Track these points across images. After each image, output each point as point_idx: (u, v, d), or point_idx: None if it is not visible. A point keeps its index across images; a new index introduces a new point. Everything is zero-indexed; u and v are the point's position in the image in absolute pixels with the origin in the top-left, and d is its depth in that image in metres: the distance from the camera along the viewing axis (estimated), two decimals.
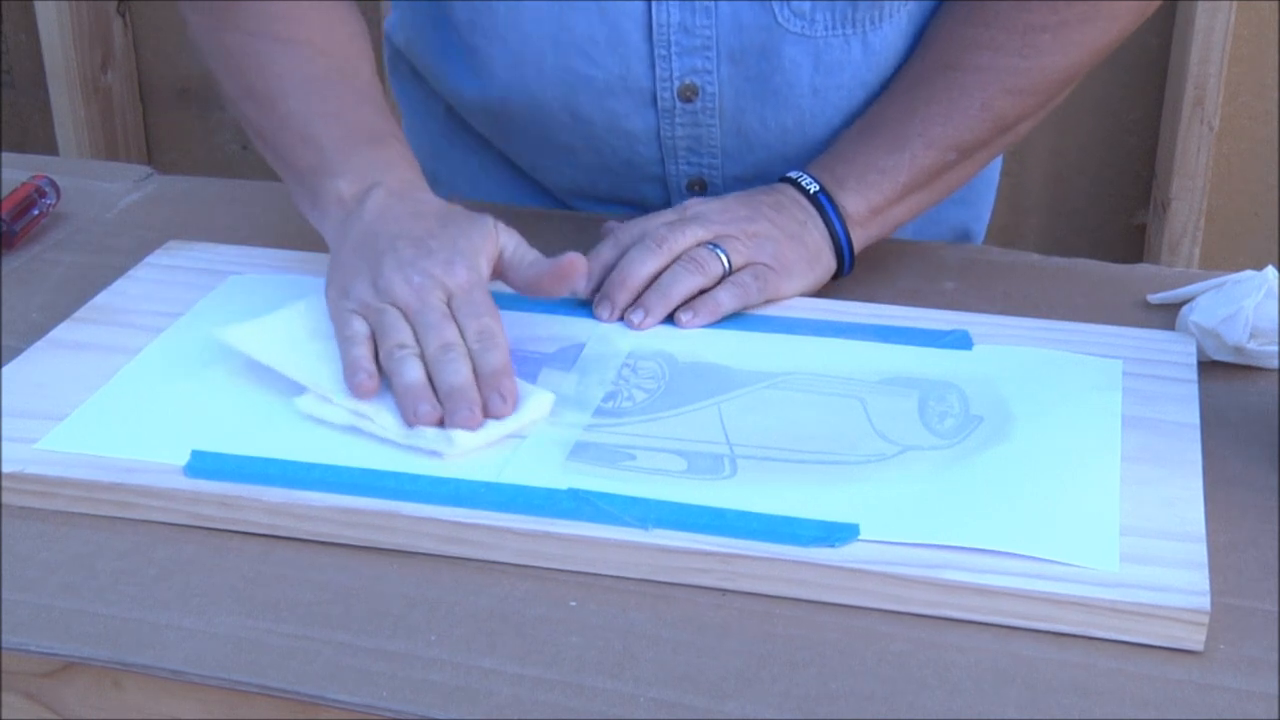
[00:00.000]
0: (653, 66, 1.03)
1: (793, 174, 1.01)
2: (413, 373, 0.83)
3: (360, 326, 0.86)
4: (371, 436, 0.81)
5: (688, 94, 1.04)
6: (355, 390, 0.83)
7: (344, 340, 0.86)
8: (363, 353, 0.84)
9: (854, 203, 0.99)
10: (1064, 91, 1.03)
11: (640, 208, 1.12)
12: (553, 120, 1.07)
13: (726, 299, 0.94)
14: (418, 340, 0.84)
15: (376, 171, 0.94)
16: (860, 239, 1.00)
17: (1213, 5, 1.94)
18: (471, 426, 0.80)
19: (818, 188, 1.00)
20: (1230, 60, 1.97)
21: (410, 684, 0.67)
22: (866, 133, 1.02)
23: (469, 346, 0.84)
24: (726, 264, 0.95)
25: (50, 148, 2.39)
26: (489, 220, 0.91)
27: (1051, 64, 1.00)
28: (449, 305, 0.86)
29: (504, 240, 0.90)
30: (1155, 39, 2.05)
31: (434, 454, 0.80)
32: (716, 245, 0.95)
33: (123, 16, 2.38)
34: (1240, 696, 0.66)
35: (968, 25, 1.01)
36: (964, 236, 1.22)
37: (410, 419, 0.81)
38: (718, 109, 1.05)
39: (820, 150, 1.05)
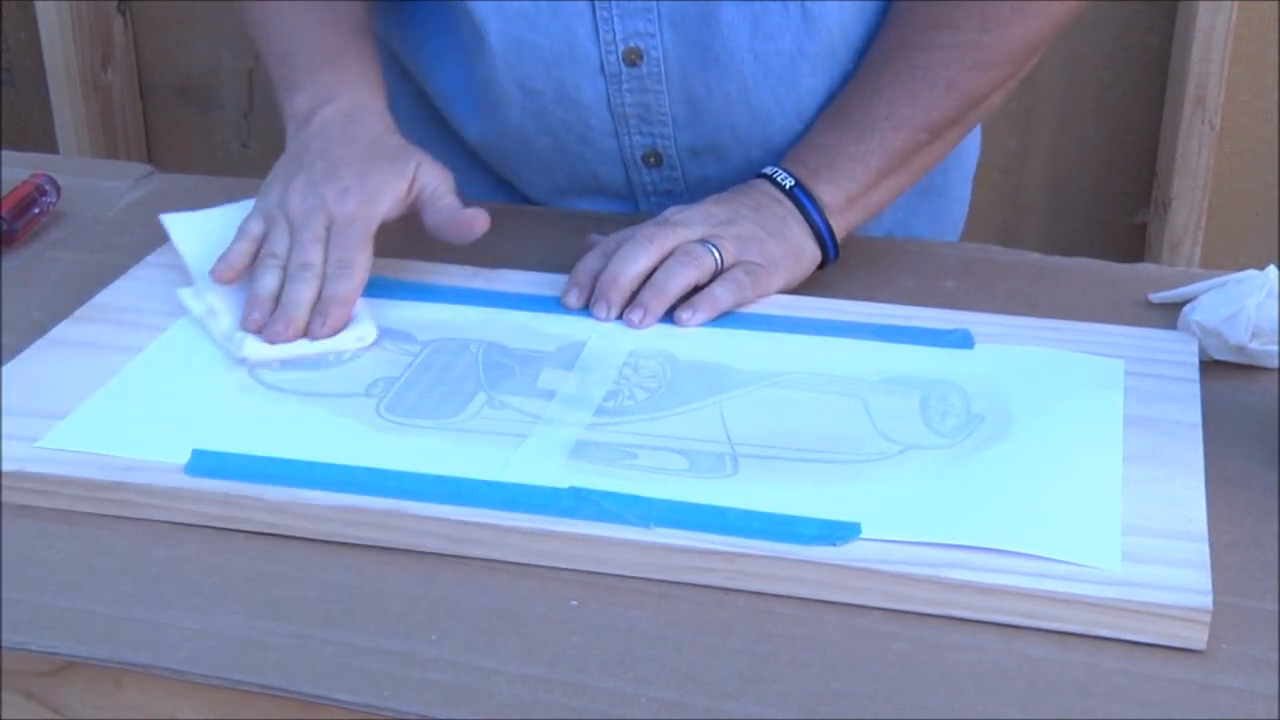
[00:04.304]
0: (596, 30, 1.03)
1: (768, 170, 1.02)
2: (267, 282, 0.92)
3: (256, 227, 0.95)
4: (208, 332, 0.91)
5: (632, 58, 1.04)
6: (213, 273, 0.93)
7: (237, 234, 0.95)
8: (241, 248, 0.94)
9: (830, 193, 1.00)
10: (1029, 62, 1.04)
11: (601, 195, 1.13)
12: (505, 98, 1.08)
13: (724, 294, 0.94)
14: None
15: (332, 89, 1.01)
16: (841, 227, 1.00)
17: (1213, 5, 1.93)
18: (279, 340, 0.89)
19: (793, 182, 1.00)
20: (1231, 59, 1.97)
21: (412, 683, 0.67)
22: (834, 120, 1.03)
23: (326, 272, 0.92)
24: (719, 259, 0.95)
25: (50, 146, 2.39)
26: (412, 160, 0.97)
27: (1013, 35, 1.00)
28: (329, 231, 0.93)
29: (424, 180, 0.97)
30: (1156, 38, 2.04)
31: (239, 360, 0.88)
32: (707, 241, 0.95)
33: (123, 15, 2.38)
34: (1242, 696, 0.66)
35: (926, 4, 1.01)
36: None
37: (242, 322, 0.90)
38: (663, 74, 1.05)
39: (766, 118, 1.06)
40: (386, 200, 0.95)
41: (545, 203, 1.16)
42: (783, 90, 1.06)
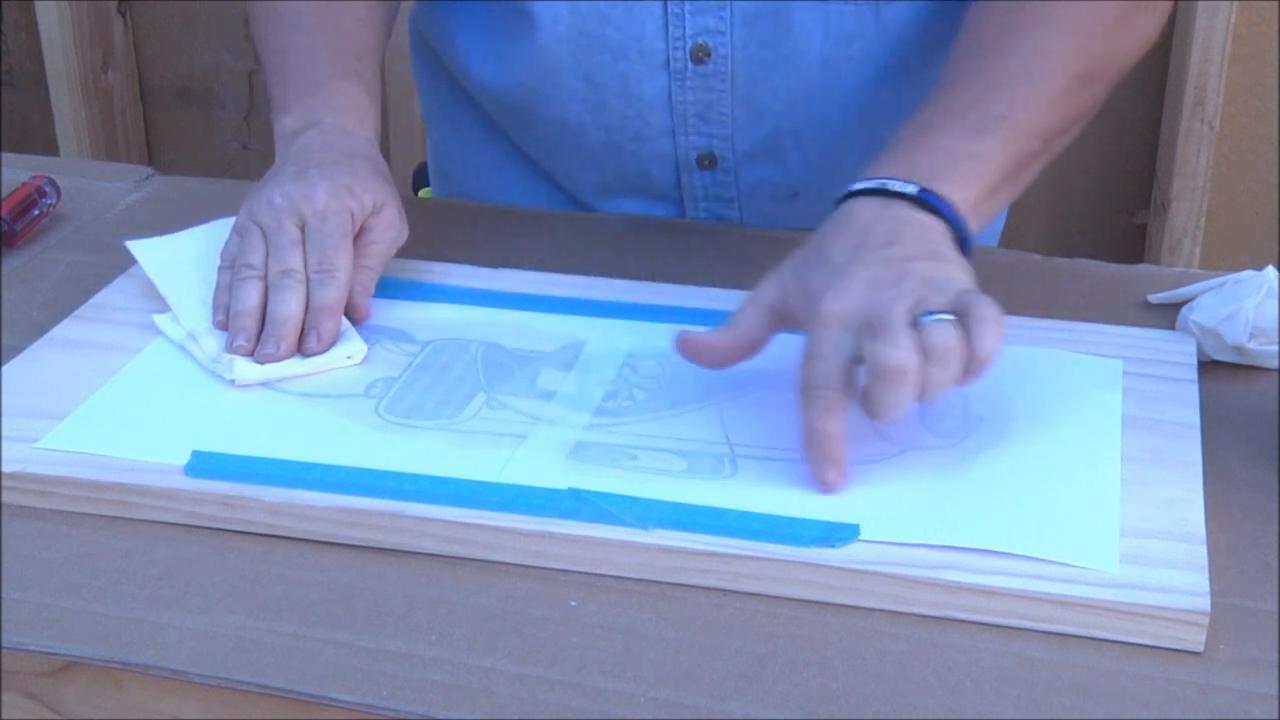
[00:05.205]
0: (666, 25, 1.03)
1: (868, 184, 0.83)
2: (248, 296, 0.88)
3: (234, 248, 0.92)
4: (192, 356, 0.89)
5: (700, 55, 1.04)
6: (216, 325, 0.89)
7: (221, 264, 0.92)
8: (225, 281, 0.91)
9: (957, 192, 0.83)
10: (1110, 88, 0.98)
11: (649, 197, 1.12)
12: (565, 89, 1.07)
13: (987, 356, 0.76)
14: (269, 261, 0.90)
15: (321, 112, 0.99)
16: (972, 228, 0.84)
17: (1213, 5, 1.94)
18: (270, 361, 0.86)
19: (916, 189, 0.82)
20: (1230, 60, 1.97)
21: (411, 684, 0.67)
22: (942, 119, 0.88)
23: (308, 275, 0.89)
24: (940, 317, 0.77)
25: (50, 147, 2.39)
26: (386, 187, 0.95)
27: (1116, 49, 0.95)
28: (303, 230, 0.91)
29: (381, 220, 0.93)
30: (1156, 38, 2.04)
31: (229, 383, 0.86)
32: (929, 316, 0.76)
33: (123, 16, 2.38)
34: (1241, 697, 0.66)
35: (1030, 4, 0.92)
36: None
37: (228, 346, 0.87)
38: (729, 73, 1.04)
39: (829, 124, 1.04)
40: (356, 198, 0.92)
41: (590, 201, 1.16)
42: (849, 96, 1.05)
